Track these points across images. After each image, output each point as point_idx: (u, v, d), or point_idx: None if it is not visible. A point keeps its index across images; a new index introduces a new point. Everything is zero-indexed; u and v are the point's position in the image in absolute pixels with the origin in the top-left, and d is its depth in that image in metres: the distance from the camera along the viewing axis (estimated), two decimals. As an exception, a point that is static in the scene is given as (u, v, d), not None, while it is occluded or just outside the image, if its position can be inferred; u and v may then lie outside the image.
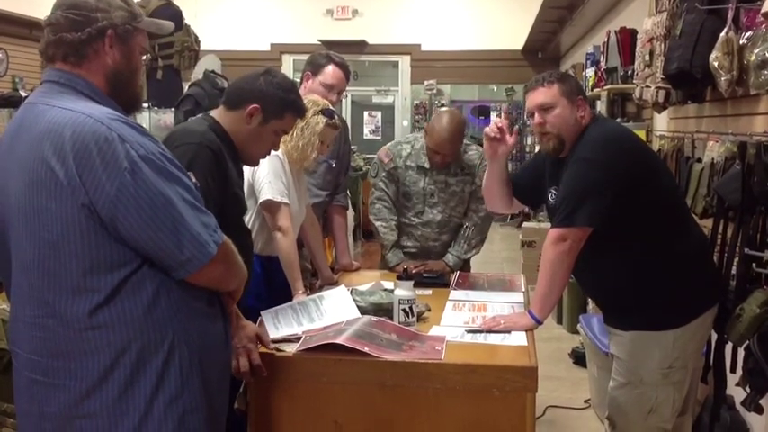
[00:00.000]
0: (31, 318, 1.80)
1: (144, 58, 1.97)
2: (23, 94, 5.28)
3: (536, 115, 2.67)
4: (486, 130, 2.83)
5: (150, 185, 1.71)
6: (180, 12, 5.37)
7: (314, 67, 3.53)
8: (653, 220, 2.59)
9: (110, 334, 1.76)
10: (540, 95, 2.66)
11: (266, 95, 2.43)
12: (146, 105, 4.32)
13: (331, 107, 3.12)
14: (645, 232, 2.59)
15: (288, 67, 10.97)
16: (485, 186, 3.04)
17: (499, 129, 2.82)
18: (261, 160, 2.91)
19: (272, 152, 2.92)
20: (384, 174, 3.67)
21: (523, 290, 3.19)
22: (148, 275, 1.78)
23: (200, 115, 2.59)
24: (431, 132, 3.51)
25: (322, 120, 3.02)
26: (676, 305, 2.60)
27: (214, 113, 2.50)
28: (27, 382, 1.84)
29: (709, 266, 2.77)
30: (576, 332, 4.93)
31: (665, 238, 2.61)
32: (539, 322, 2.59)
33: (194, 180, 1.89)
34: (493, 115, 11.29)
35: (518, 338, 2.46)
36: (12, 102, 4.69)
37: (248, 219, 2.99)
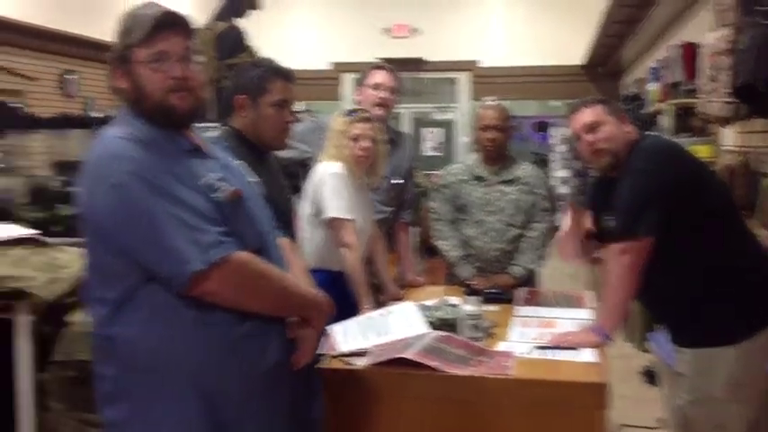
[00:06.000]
0: None
1: (156, 62, 1.87)
2: (94, 115, 5.42)
3: (584, 136, 2.70)
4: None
5: (135, 201, 1.75)
6: (244, 33, 5.49)
7: (360, 79, 3.70)
8: (706, 231, 2.57)
9: (118, 346, 1.82)
10: (586, 115, 2.70)
11: (241, 82, 2.60)
12: (215, 124, 4.41)
13: (367, 112, 3.18)
14: (698, 245, 2.57)
15: (348, 85, 11.07)
16: (561, 242, 3.02)
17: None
18: (324, 178, 2.98)
19: (333, 169, 2.99)
20: (435, 194, 3.74)
21: (591, 306, 3.16)
22: (157, 290, 1.80)
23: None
24: (478, 116, 3.70)
25: (341, 119, 3.07)
26: (736, 320, 2.55)
27: (231, 123, 2.64)
28: None
29: None
30: (646, 350, 4.85)
31: (719, 251, 2.57)
32: (608, 339, 2.57)
33: (227, 192, 1.87)
34: (553, 131, 11.14)
35: (587, 355, 2.44)
36: (84, 123, 4.81)
37: (316, 235, 3.04)
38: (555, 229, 3.79)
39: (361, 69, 3.73)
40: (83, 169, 1.84)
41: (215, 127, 4.40)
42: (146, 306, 1.80)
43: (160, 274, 1.78)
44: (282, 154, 3.38)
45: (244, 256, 1.85)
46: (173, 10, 1.88)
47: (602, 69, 10.80)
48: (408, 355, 2.25)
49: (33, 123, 4.82)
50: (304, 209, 3.13)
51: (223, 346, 1.84)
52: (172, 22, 1.87)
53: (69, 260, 2.71)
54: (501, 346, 2.53)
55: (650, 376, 4.89)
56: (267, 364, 1.91)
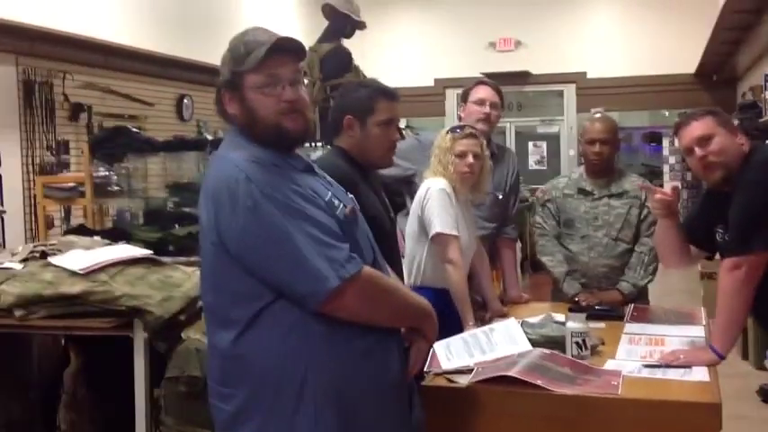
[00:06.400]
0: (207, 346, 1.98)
1: (268, 86, 1.89)
2: (208, 137, 5.61)
3: (696, 149, 2.61)
4: (658, 196, 2.78)
5: (270, 221, 1.78)
6: (349, 53, 5.58)
7: (464, 95, 3.70)
8: None
9: (249, 364, 1.83)
10: (697, 129, 2.62)
11: (348, 103, 2.64)
12: (320, 144, 4.51)
13: (472, 128, 3.17)
14: None
15: (452, 101, 11.09)
16: (658, 243, 2.99)
17: (673, 190, 2.80)
18: (430, 194, 3.00)
19: (439, 186, 3.00)
20: (540, 209, 3.69)
21: (704, 323, 3.05)
22: (286, 308, 1.82)
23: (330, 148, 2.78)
24: (584, 129, 3.64)
25: (447, 136, 3.07)
26: None
27: (337, 142, 2.68)
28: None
29: None
30: (764, 368, 4.65)
31: None
32: (721, 357, 2.47)
33: (346, 209, 1.91)
34: (665, 141, 10.84)
35: (699, 374, 2.36)
36: (199, 145, 4.98)
37: (420, 252, 3.06)
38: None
39: (465, 85, 3.73)
40: (207, 191, 1.87)
41: (318, 147, 4.51)
42: (277, 324, 1.83)
43: (295, 292, 1.80)
44: (385, 172, 3.42)
45: (370, 270, 1.89)
46: (285, 36, 1.90)
47: (717, 77, 10.43)
48: (513, 372, 2.23)
49: (151, 147, 5.02)
50: (409, 226, 3.16)
51: (351, 360, 1.87)
52: (284, 48, 1.90)
53: (182, 278, 2.81)
54: (608, 365, 2.47)
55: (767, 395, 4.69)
56: (389, 375, 1.96)
